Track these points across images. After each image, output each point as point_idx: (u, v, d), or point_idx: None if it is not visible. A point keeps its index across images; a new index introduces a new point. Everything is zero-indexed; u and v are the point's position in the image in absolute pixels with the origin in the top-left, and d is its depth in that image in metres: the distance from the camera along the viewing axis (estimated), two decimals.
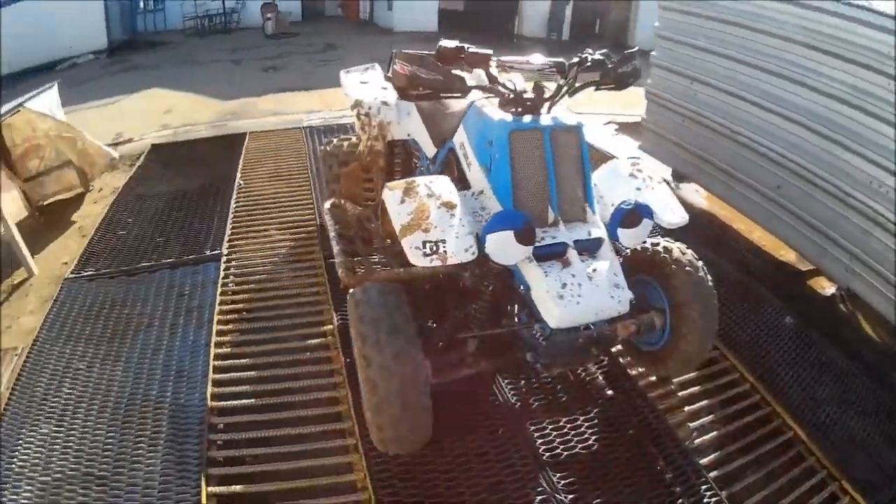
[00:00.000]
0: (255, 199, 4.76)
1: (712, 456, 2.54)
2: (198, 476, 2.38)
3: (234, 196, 4.79)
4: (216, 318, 3.31)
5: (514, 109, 2.26)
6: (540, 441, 2.53)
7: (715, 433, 2.66)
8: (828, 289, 3.87)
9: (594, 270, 2.08)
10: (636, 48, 2.52)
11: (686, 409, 2.78)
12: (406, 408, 2.00)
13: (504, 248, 1.98)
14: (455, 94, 2.24)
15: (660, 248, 2.49)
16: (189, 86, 8.90)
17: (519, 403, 2.73)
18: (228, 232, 4.22)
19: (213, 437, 2.58)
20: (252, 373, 2.93)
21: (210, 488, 2.33)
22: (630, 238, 2.23)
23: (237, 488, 2.34)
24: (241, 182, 5.09)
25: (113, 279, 3.80)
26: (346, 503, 2.27)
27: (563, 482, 2.34)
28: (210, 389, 2.81)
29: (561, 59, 2.41)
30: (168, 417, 2.69)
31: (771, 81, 3.87)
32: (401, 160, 3.46)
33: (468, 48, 2.19)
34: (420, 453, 2.35)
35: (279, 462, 2.45)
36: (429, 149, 2.96)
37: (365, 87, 3.51)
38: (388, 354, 1.95)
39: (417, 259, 1.98)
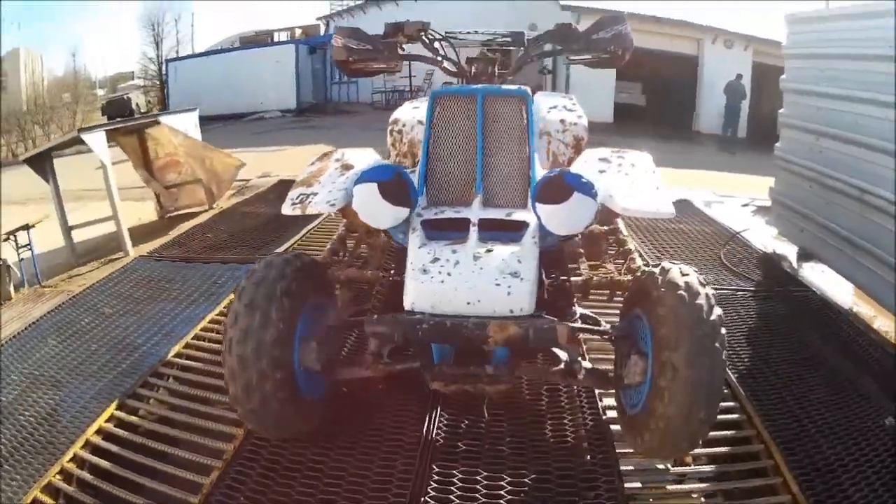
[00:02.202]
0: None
1: None
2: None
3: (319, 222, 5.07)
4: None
5: (459, 81, 2.16)
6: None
7: None
8: None
9: (488, 252, 1.74)
10: (624, 12, 2.28)
11: None
12: (264, 403, 1.81)
13: (370, 203, 1.77)
14: (391, 66, 2.22)
15: (655, 269, 1.92)
16: (349, 143, 10.11)
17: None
18: (287, 245, 4.53)
19: None
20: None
21: None
22: (554, 219, 1.73)
23: None
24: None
25: (173, 263, 4.32)
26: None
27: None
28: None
29: (521, 31, 2.29)
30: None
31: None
32: None
33: (407, 21, 2.19)
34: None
35: None
36: None
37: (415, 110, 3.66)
38: (250, 347, 1.77)
39: (285, 209, 1.98)
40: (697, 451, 2.06)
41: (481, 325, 1.63)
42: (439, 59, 2.18)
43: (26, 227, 4.41)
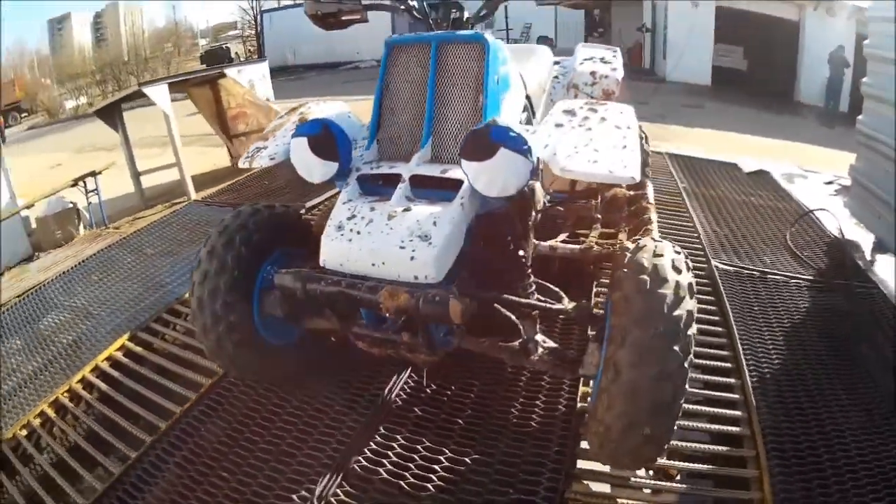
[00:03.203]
0: None
1: None
2: None
3: None
4: None
5: (432, 27, 2.03)
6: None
7: None
8: None
9: (405, 212, 1.66)
10: None
11: None
12: (219, 344, 1.95)
13: (302, 157, 1.78)
14: (356, 15, 2.13)
15: (628, 243, 1.78)
16: None
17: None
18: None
19: None
20: None
21: None
22: (481, 178, 1.57)
23: None
24: None
25: (221, 208, 4.64)
26: None
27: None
28: None
29: None
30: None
31: None
32: None
33: None
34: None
35: None
36: None
37: None
38: (207, 290, 1.90)
39: (240, 162, 2.03)
40: (681, 463, 1.98)
41: (374, 289, 1.59)
42: (401, 5, 2.06)
43: (93, 174, 4.88)
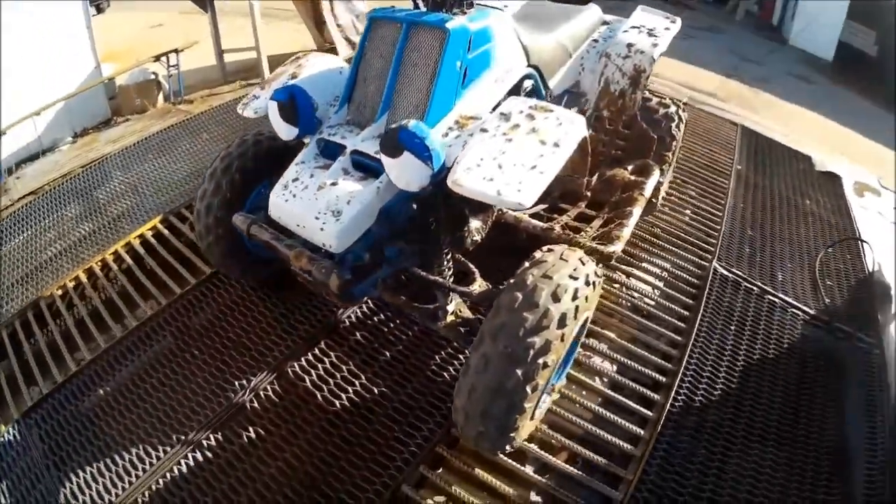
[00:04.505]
0: None
1: None
2: None
3: None
4: None
5: (418, 5, 2.10)
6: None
7: None
8: None
9: (332, 185, 1.85)
10: None
11: None
12: (209, 250, 2.37)
13: (273, 119, 2.04)
14: None
15: (545, 249, 1.82)
16: None
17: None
18: None
19: None
20: None
21: None
22: (391, 172, 1.77)
23: None
24: None
25: None
26: None
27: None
28: None
29: None
30: None
31: None
32: None
33: None
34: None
35: None
36: None
37: None
38: (204, 205, 2.28)
39: (239, 107, 2.29)
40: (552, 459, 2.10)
41: (289, 247, 1.90)
42: None
43: (175, 51, 5.31)
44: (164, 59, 5.32)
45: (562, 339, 1.63)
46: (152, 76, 5.39)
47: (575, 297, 1.65)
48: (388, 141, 1.72)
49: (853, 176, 4.47)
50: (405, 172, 1.74)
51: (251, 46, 5.89)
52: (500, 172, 1.67)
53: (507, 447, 1.83)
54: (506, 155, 1.72)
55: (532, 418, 1.91)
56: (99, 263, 3.03)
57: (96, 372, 2.46)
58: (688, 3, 12.60)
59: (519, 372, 1.57)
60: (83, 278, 2.96)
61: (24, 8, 4.67)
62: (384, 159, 1.75)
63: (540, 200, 2.54)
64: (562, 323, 1.60)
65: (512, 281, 1.69)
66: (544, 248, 1.81)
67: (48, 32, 4.91)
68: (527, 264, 1.73)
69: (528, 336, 1.57)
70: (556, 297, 1.61)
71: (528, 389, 1.61)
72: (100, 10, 9.54)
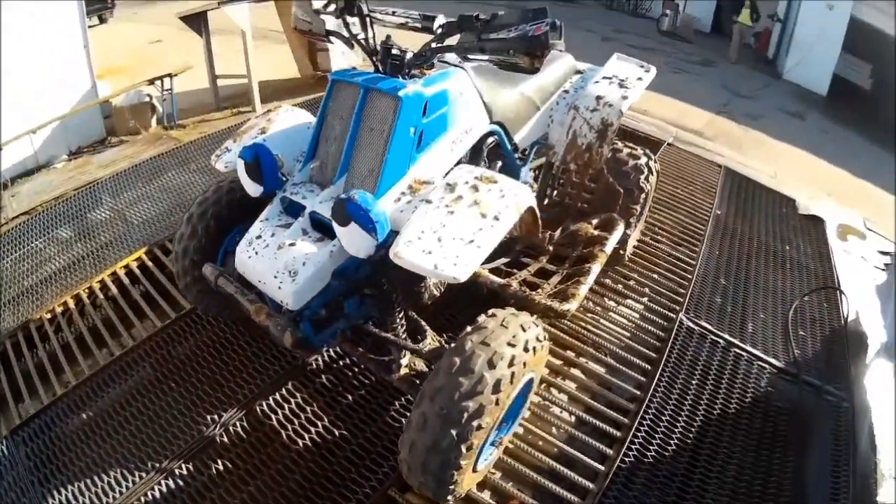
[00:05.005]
0: None
1: None
2: None
3: None
4: None
5: (378, 68, 2.20)
6: None
7: None
8: None
9: (290, 246, 2.00)
10: (544, 6, 2.16)
11: None
12: (187, 289, 2.60)
13: (242, 176, 2.18)
14: (320, 38, 2.40)
15: (495, 312, 1.97)
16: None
17: None
18: None
19: None
20: None
21: None
22: (344, 239, 1.90)
23: None
24: None
25: None
26: None
27: None
28: None
29: (438, 15, 2.18)
30: None
31: None
32: None
33: None
34: None
35: None
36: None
37: None
38: (181, 248, 2.50)
39: (212, 158, 2.48)
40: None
41: (251, 301, 2.07)
42: (358, 38, 2.24)
43: (169, 76, 5.58)
44: (158, 82, 5.59)
45: (496, 403, 1.78)
46: (147, 98, 5.65)
47: (511, 364, 1.79)
48: (337, 210, 1.84)
49: (838, 218, 4.52)
50: (353, 241, 1.87)
51: (244, 74, 6.18)
52: (439, 246, 1.78)
53: (449, 498, 1.97)
54: (446, 228, 1.83)
55: (475, 471, 2.07)
56: (86, 291, 3.28)
57: (80, 397, 2.70)
58: (685, 36, 13.07)
59: (454, 432, 1.72)
60: (71, 304, 3.20)
61: (22, 22, 4.89)
62: (335, 226, 1.88)
63: (502, 254, 2.74)
64: (496, 389, 1.75)
65: (453, 345, 1.84)
66: (488, 313, 1.95)
67: (46, 50, 5.14)
68: (468, 329, 1.88)
69: (463, 400, 1.71)
70: (491, 364, 1.76)
71: (463, 448, 1.77)
72: (102, 21, 9.75)
